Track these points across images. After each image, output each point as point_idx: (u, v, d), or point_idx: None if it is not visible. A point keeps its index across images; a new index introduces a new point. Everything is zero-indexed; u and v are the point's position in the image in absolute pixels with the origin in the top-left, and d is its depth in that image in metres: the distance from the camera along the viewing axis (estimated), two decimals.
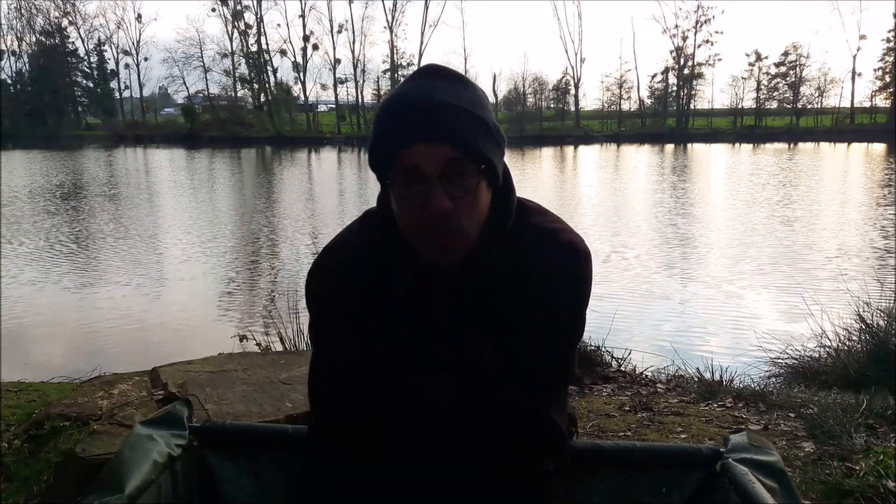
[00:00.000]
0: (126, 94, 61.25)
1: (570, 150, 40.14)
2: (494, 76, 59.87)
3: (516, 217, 1.05)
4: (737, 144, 42.21)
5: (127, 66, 58.42)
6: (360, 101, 55.44)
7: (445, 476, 1.05)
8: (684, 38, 55.83)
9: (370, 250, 1.05)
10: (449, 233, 0.96)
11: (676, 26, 56.37)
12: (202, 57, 53.95)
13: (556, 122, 55.71)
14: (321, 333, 1.11)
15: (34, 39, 56.70)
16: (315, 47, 54.52)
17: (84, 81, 59.64)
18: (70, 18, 56.86)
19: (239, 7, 52.40)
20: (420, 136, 0.92)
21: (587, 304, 1.08)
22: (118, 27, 72.41)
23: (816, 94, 55.45)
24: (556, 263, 1.03)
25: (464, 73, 1.02)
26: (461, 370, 1.04)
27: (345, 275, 1.06)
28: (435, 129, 0.92)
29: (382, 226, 1.05)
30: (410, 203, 0.95)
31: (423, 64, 1.06)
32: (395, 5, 54.37)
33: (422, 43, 60.21)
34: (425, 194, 0.93)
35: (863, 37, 54.57)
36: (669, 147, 40.98)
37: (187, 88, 55.44)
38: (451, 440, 1.05)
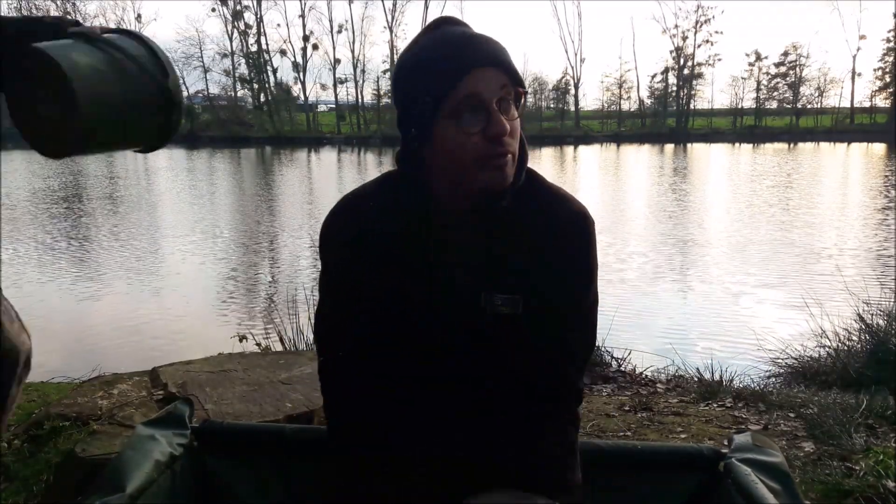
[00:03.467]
0: None
1: (569, 150, 40.13)
2: None
3: (529, 178, 1.10)
4: (737, 144, 42.21)
5: None
6: (360, 101, 55.46)
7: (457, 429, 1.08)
8: (684, 38, 55.89)
9: (388, 201, 1.09)
10: (505, 155, 1.00)
11: (676, 26, 56.57)
12: (202, 57, 54.04)
13: (555, 122, 55.70)
14: (332, 279, 1.14)
15: None
16: (315, 47, 54.53)
17: None
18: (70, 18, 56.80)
19: (239, 7, 52.40)
20: (481, 62, 0.98)
21: (597, 271, 1.13)
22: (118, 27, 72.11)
23: (816, 94, 55.53)
24: (572, 225, 1.09)
25: None
26: (476, 321, 1.07)
27: (361, 224, 1.09)
28: (493, 56, 0.99)
29: (404, 177, 1.08)
30: (470, 129, 0.98)
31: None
32: (395, 5, 54.44)
33: None
34: (486, 119, 0.98)
35: (863, 37, 54.64)
36: (669, 147, 40.97)
37: (187, 88, 55.41)
38: (466, 393, 1.09)
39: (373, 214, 1.09)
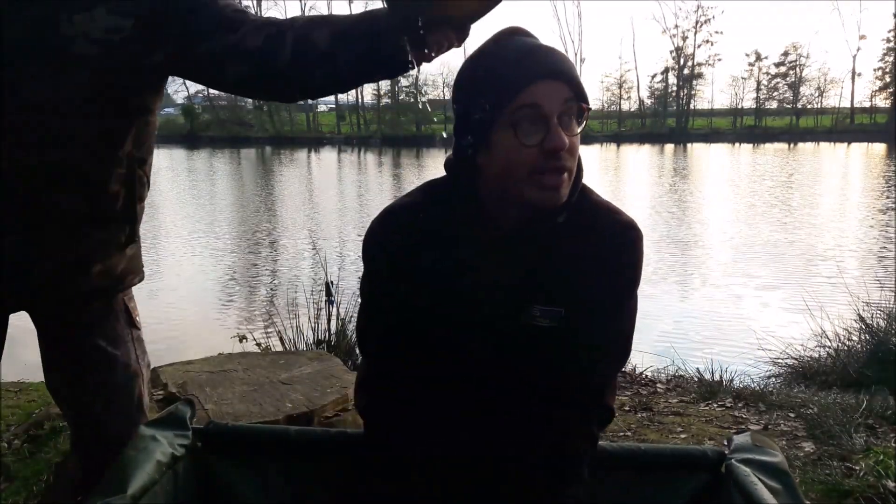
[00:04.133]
0: None
1: None
2: None
3: (580, 192, 1.08)
4: (737, 144, 42.19)
5: None
6: (360, 101, 55.47)
7: (488, 445, 1.09)
8: (684, 38, 55.89)
9: (435, 212, 1.07)
10: (560, 171, 0.98)
11: (676, 26, 56.62)
12: None
13: None
14: (375, 289, 1.14)
15: None
16: None
17: None
18: None
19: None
20: (545, 75, 0.96)
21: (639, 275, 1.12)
22: None
23: (816, 94, 55.54)
24: (619, 237, 1.08)
25: None
26: (516, 332, 1.08)
27: (407, 236, 1.08)
28: (558, 69, 0.97)
29: (455, 185, 1.07)
30: (528, 141, 0.96)
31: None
32: None
33: None
34: (545, 131, 0.96)
35: (863, 37, 54.89)
36: (669, 147, 40.95)
37: (187, 88, 55.16)
38: (500, 403, 1.10)
39: (419, 226, 1.07)
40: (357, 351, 1.20)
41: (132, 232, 1.29)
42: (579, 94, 0.98)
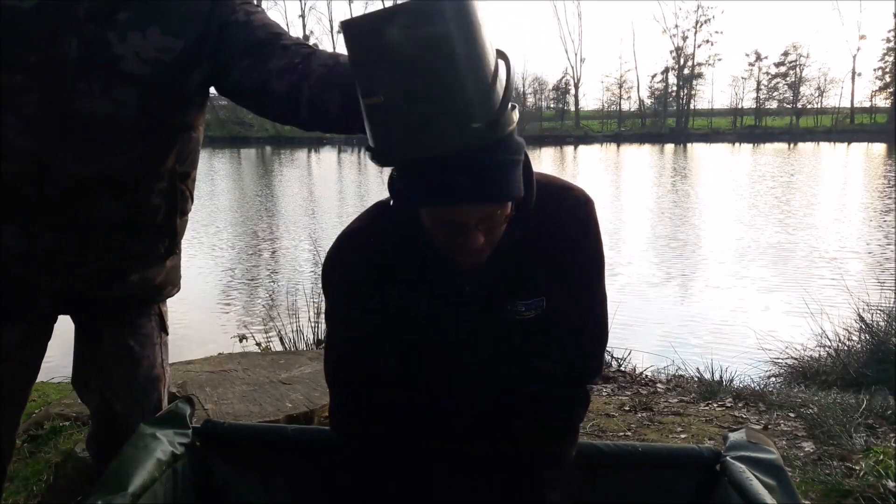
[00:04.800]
0: None
1: (569, 149, 40.11)
2: None
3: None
4: (737, 144, 42.19)
5: None
6: None
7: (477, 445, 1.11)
8: (684, 38, 55.95)
9: (391, 234, 1.07)
10: (478, 256, 0.99)
11: (676, 26, 56.67)
12: None
13: (555, 122, 55.76)
14: (339, 317, 1.13)
15: None
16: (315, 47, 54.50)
17: None
18: None
19: None
20: (465, 200, 0.89)
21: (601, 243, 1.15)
22: None
23: (816, 94, 55.60)
24: (574, 217, 1.09)
25: None
26: (501, 330, 1.09)
27: (368, 258, 1.07)
28: (481, 193, 0.89)
29: (399, 217, 1.04)
30: (445, 237, 0.96)
31: None
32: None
33: None
34: (462, 234, 0.94)
35: (863, 37, 54.89)
36: (669, 147, 40.94)
37: None
38: (490, 398, 1.11)
39: (378, 247, 1.07)
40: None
41: (172, 244, 1.32)
42: (506, 198, 0.92)
